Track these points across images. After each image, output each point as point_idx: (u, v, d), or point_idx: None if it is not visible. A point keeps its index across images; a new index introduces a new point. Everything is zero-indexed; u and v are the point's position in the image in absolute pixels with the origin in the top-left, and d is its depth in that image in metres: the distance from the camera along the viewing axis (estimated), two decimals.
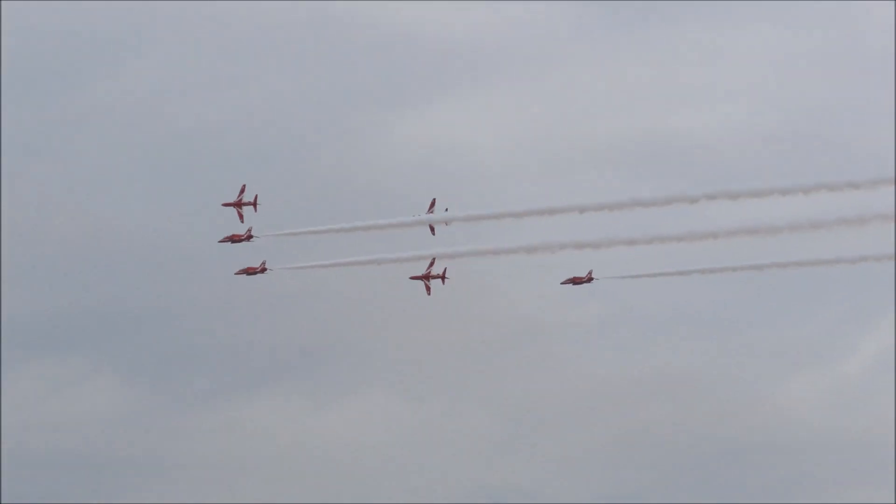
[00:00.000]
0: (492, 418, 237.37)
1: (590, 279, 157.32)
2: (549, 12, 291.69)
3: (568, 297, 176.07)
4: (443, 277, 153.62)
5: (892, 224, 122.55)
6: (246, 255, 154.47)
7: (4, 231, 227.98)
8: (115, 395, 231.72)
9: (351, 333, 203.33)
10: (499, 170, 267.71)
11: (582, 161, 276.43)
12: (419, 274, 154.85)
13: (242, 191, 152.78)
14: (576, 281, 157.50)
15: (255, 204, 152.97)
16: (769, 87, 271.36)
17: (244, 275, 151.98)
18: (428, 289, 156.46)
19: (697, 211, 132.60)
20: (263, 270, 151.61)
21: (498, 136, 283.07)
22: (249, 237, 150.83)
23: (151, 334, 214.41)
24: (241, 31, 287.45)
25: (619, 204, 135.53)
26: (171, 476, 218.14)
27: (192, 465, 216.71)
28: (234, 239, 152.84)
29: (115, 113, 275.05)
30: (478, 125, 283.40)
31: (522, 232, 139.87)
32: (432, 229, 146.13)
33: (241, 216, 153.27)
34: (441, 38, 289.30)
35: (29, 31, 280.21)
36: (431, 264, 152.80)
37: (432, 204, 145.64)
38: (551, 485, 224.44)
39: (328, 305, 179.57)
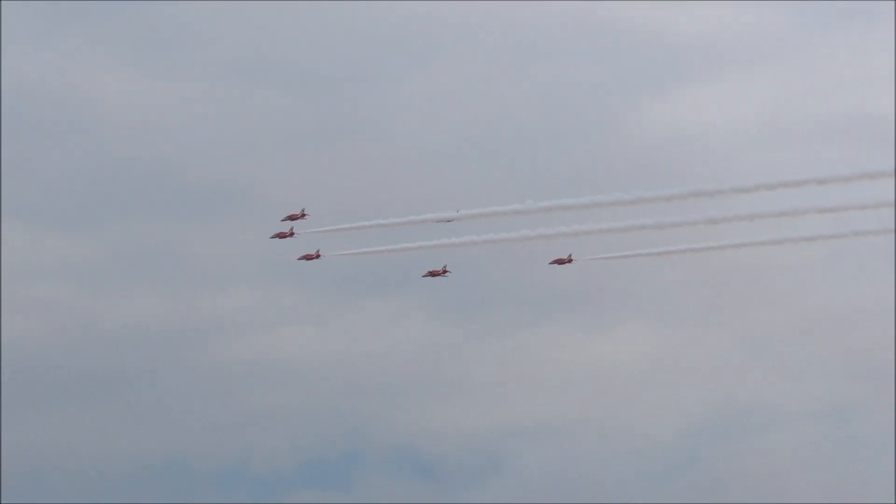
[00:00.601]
0: (731, 343, 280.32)
1: (570, 260, 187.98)
2: (770, 11, 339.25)
3: (794, 246, 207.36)
4: (445, 272, 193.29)
5: None
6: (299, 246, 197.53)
7: (332, 203, 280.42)
8: (426, 328, 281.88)
9: (614, 275, 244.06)
10: (735, 147, 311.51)
11: (802, 138, 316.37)
12: (428, 272, 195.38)
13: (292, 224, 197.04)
14: (560, 262, 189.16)
15: (304, 215, 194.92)
16: None
17: (304, 260, 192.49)
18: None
19: None
20: (318, 256, 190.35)
21: (731, 118, 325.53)
22: (292, 234, 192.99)
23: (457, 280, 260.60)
24: (520, 32, 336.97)
25: (851, 176, 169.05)
26: (473, 392, 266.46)
27: (490, 383, 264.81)
28: (281, 236, 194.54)
29: (415, 107, 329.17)
30: (714, 108, 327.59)
31: (766, 202, 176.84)
32: (447, 221, 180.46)
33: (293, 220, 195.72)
34: (682, 35, 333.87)
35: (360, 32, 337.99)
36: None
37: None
38: (781, 396, 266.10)
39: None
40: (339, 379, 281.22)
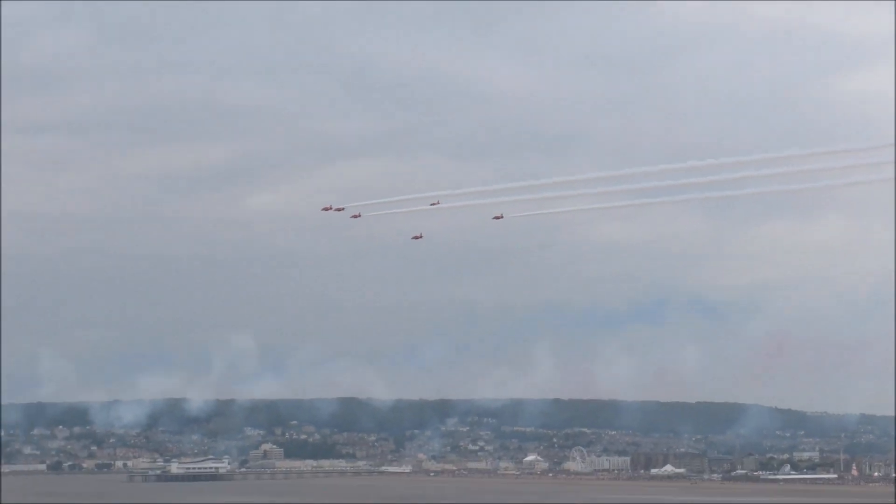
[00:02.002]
0: None
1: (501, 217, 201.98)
2: None
3: None
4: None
5: None
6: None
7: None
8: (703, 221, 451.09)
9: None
10: None
11: None
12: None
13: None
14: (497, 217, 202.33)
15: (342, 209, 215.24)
16: None
17: (353, 218, 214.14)
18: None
19: None
20: (360, 216, 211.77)
21: None
22: (341, 210, 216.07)
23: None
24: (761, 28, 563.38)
25: None
26: (736, 260, 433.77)
27: (746, 254, 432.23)
28: (326, 209, 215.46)
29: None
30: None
31: None
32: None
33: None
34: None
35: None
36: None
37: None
38: None
39: None
40: (649, 253, 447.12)
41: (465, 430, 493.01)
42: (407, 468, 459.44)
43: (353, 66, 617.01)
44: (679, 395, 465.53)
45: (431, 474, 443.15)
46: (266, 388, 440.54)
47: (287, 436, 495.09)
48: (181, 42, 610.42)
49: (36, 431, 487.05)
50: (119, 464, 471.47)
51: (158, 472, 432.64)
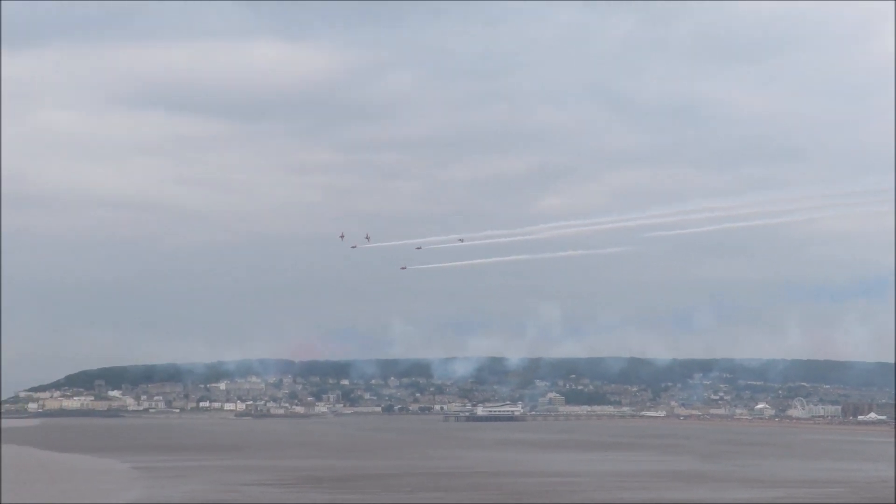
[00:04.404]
0: None
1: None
2: None
3: None
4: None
5: None
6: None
7: None
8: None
9: None
10: None
11: None
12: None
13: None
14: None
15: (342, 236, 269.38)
16: None
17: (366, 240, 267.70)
18: None
19: None
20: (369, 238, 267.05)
21: None
22: (355, 247, 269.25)
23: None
24: None
25: None
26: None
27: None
28: (341, 236, 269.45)
29: None
30: None
31: None
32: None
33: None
34: None
35: None
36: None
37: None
38: None
39: None
40: (862, 241, 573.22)
41: (708, 382, 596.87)
42: (661, 413, 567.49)
43: (625, 93, 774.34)
44: (883, 357, 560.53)
45: (681, 418, 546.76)
46: (567, 349, 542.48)
47: (568, 386, 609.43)
48: (489, 78, 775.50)
49: (373, 381, 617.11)
50: (437, 407, 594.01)
51: (467, 413, 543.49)
